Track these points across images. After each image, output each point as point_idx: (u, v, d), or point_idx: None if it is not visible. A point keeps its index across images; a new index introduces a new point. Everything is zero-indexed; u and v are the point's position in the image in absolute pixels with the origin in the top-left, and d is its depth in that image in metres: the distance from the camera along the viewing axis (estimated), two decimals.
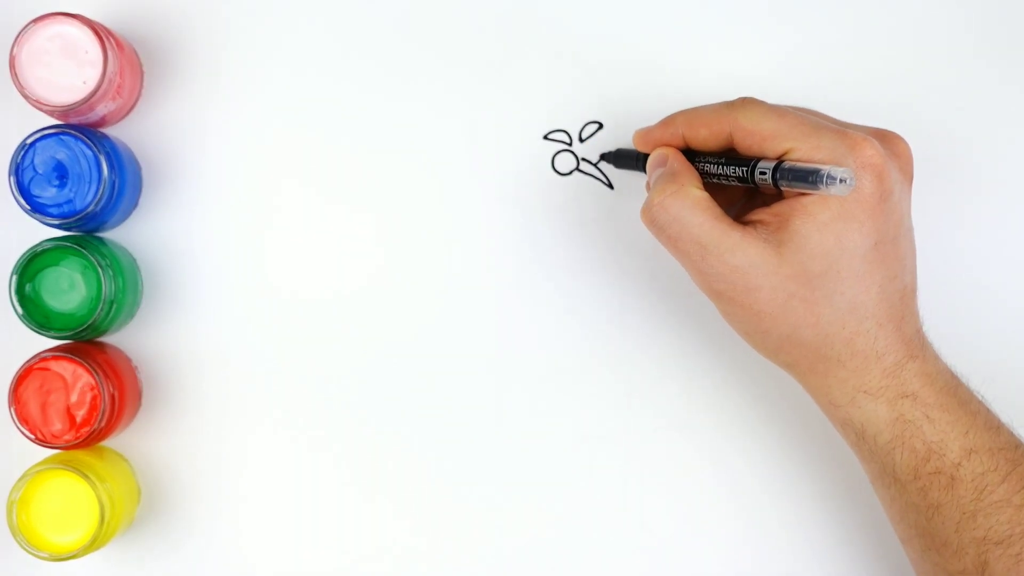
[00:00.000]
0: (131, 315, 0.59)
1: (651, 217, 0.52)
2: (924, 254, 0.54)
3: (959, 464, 0.50)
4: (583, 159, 0.60)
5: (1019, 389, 0.57)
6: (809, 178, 0.48)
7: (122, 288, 0.56)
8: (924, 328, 0.53)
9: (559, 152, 0.60)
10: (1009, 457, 0.50)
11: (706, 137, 0.52)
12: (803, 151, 0.50)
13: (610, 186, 0.60)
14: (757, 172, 0.51)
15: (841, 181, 0.47)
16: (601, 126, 0.60)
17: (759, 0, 0.60)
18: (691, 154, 0.54)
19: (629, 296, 0.60)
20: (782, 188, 0.50)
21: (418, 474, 0.60)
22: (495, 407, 0.60)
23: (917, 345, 0.51)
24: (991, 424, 0.51)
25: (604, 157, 0.60)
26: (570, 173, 0.60)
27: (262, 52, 0.60)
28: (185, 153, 0.60)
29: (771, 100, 0.59)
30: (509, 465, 0.60)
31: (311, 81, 0.60)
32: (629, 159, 0.58)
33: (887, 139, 0.52)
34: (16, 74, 0.55)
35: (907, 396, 0.51)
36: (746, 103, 0.52)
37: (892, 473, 0.51)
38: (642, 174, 0.56)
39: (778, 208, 0.51)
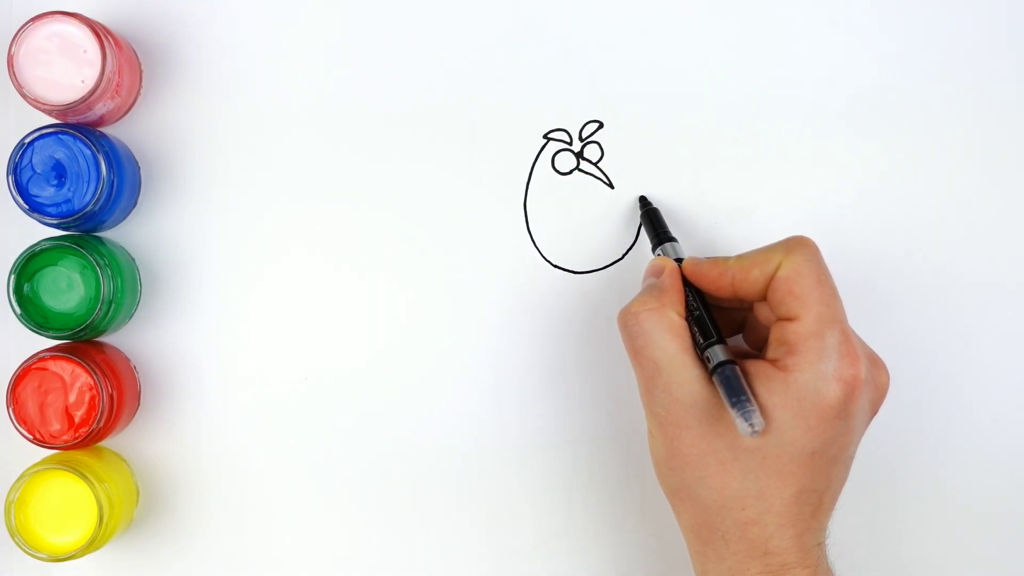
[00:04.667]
0: (129, 315, 0.59)
1: (624, 322, 0.52)
2: None
3: None
4: (583, 158, 0.60)
5: None
6: (731, 399, 0.48)
7: (120, 288, 0.56)
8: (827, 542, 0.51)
9: (559, 152, 0.60)
10: None
11: (757, 278, 0.51)
12: (805, 328, 0.49)
13: (610, 185, 0.60)
14: (704, 352, 0.50)
15: (749, 424, 0.47)
16: (601, 125, 0.60)
17: (759, 0, 0.60)
18: (688, 284, 0.53)
19: (629, 293, 0.60)
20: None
21: (419, 474, 0.60)
22: (494, 395, 0.60)
23: (813, 557, 0.50)
24: None
25: (643, 201, 0.59)
26: (570, 173, 0.60)
27: (261, 51, 0.60)
28: (184, 152, 0.60)
29: (769, 100, 0.59)
30: (507, 465, 0.60)
31: (310, 80, 0.60)
32: (651, 227, 0.58)
33: (876, 365, 0.51)
34: (14, 73, 0.55)
35: None
36: (800, 246, 0.50)
37: None
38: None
39: (752, 364, 0.50)
